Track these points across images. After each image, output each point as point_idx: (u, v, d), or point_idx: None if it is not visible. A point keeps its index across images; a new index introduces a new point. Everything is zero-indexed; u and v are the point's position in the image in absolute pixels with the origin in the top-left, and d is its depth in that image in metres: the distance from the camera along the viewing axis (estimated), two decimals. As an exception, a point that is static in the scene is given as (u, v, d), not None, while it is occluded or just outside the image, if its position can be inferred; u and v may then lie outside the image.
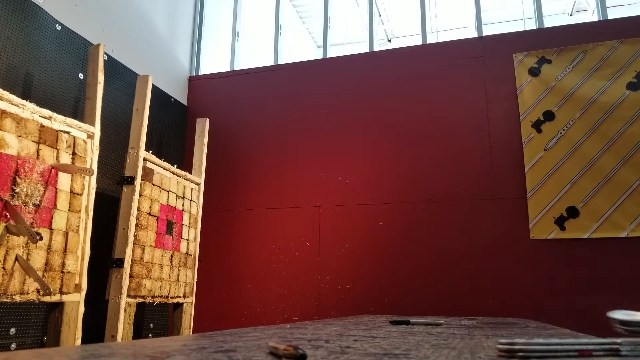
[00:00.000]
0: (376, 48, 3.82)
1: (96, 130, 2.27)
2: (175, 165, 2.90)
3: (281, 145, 3.62)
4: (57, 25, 2.65)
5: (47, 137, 1.96)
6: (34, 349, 2.07)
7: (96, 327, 2.36)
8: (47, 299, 1.93)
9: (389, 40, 6.55)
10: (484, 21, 3.61)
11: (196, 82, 3.97)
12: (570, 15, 5.59)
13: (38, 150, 1.92)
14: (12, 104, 1.83)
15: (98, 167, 2.29)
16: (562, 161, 3.00)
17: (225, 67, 4.05)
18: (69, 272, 2.02)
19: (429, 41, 3.69)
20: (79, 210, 2.11)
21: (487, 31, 3.51)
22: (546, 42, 3.22)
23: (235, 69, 4.02)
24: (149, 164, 2.61)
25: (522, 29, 4.05)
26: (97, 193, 2.25)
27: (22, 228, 1.75)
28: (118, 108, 3.02)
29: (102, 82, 2.34)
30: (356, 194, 3.36)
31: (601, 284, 2.80)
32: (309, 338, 0.91)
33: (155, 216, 2.61)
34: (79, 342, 2.08)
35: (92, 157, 2.23)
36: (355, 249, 3.27)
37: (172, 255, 2.75)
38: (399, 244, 3.19)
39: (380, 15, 5.95)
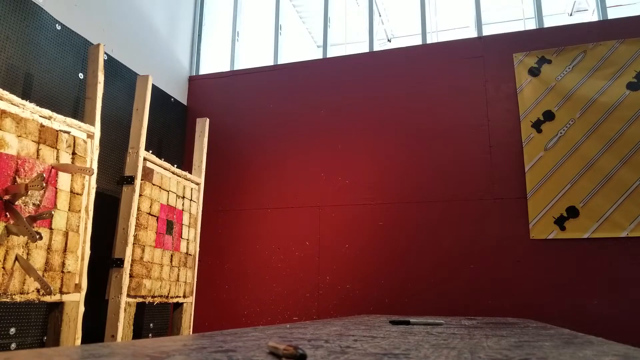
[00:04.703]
0: (376, 48, 3.82)
1: (96, 130, 2.27)
2: (175, 165, 2.90)
3: (281, 145, 3.62)
4: (57, 25, 2.65)
5: (47, 137, 1.96)
6: (34, 348, 2.07)
7: (96, 327, 2.36)
8: (47, 298, 1.93)
9: (389, 40, 6.55)
10: (484, 21, 3.61)
11: (196, 82, 3.97)
12: (570, 15, 5.59)
13: (38, 150, 1.92)
14: (12, 103, 1.83)
15: (98, 167, 2.29)
16: (562, 161, 3.00)
17: (225, 67, 4.05)
18: (69, 271, 2.02)
19: (429, 41, 3.69)
20: (79, 210, 2.11)
21: (487, 31, 3.51)
22: (546, 42, 3.22)
23: (235, 69, 4.03)
24: (149, 164, 2.61)
25: (522, 29, 4.06)
26: (97, 193, 2.25)
27: (22, 228, 1.75)
28: (118, 108, 3.02)
29: (102, 82, 2.34)
30: (356, 194, 3.37)
31: (601, 284, 2.80)
32: (309, 338, 0.91)
33: (155, 216, 2.61)
34: (79, 342, 2.08)
35: (92, 156, 2.23)
36: (355, 249, 3.27)
37: (172, 255, 2.75)
38: (398, 244, 3.19)
39: (380, 15, 5.95)
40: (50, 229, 1.95)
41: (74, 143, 2.12)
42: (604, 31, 3.13)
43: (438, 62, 3.45)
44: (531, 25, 3.65)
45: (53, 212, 1.94)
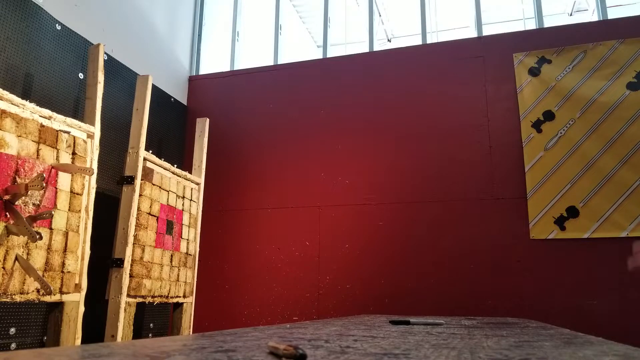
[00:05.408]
0: (376, 48, 3.82)
1: (96, 130, 2.27)
2: (175, 165, 2.90)
3: (281, 145, 3.62)
4: (57, 25, 2.65)
5: (47, 136, 1.96)
6: (34, 348, 2.07)
7: (96, 327, 2.36)
8: (47, 298, 1.93)
9: (389, 40, 6.55)
10: (484, 21, 3.61)
11: (196, 82, 3.97)
12: (570, 15, 5.60)
13: (38, 150, 1.92)
14: (12, 103, 1.83)
15: (98, 167, 2.29)
16: (562, 161, 3.00)
17: (225, 67, 4.05)
18: (69, 271, 2.02)
19: (429, 41, 3.69)
20: (79, 210, 2.11)
21: (487, 31, 3.51)
22: (546, 42, 3.22)
23: (235, 69, 4.03)
24: (149, 164, 2.61)
25: (522, 29, 4.06)
26: (97, 193, 2.25)
27: (22, 228, 1.75)
28: (118, 108, 3.02)
29: (102, 82, 2.34)
30: (356, 194, 3.37)
31: (601, 284, 2.80)
32: (309, 338, 0.91)
33: (155, 216, 2.61)
34: (78, 341, 2.08)
35: (92, 156, 2.23)
36: (355, 249, 3.27)
37: (172, 255, 2.75)
38: (398, 244, 3.19)
39: (380, 15, 5.95)
40: (50, 229, 1.95)
41: (74, 143, 2.12)
42: (604, 31, 3.13)
43: (438, 62, 3.45)
44: (531, 25, 3.65)
45: (53, 212, 1.94)
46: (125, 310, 2.32)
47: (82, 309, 2.09)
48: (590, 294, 2.80)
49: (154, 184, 2.61)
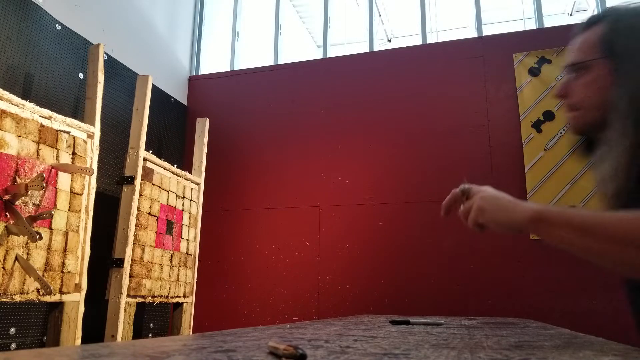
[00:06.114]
0: (376, 48, 3.82)
1: (96, 130, 2.27)
2: (175, 165, 2.90)
3: (281, 145, 3.62)
4: (57, 25, 2.65)
5: (47, 137, 1.96)
6: (34, 348, 2.07)
7: (96, 327, 2.36)
8: (47, 298, 1.93)
9: (389, 40, 6.55)
10: (484, 21, 3.61)
11: (196, 82, 3.97)
12: (570, 15, 5.59)
13: (38, 150, 1.92)
14: (12, 103, 1.83)
15: (98, 167, 2.29)
16: (562, 161, 3.00)
17: (225, 67, 4.05)
18: (69, 272, 2.02)
19: (429, 41, 3.69)
20: (79, 210, 2.11)
21: (487, 31, 3.51)
22: (546, 42, 3.22)
23: (235, 69, 4.03)
24: (149, 164, 2.61)
25: (522, 29, 4.06)
26: (97, 193, 2.25)
27: (22, 228, 1.75)
28: (118, 108, 3.02)
29: (102, 82, 2.34)
30: (356, 194, 3.36)
31: (601, 284, 2.80)
32: (309, 338, 0.91)
33: (155, 216, 2.61)
34: (79, 342, 2.08)
35: (92, 156, 2.23)
36: (355, 249, 3.27)
37: (172, 255, 2.75)
38: (398, 244, 3.19)
39: (380, 15, 5.95)
40: (50, 229, 1.95)
41: (74, 143, 2.12)
42: (604, 31, 3.12)
43: (438, 62, 3.45)
44: (531, 25, 3.65)
45: (53, 212, 1.95)
46: (125, 310, 2.32)
47: (82, 309, 2.09)
48: (590, 294, 2.80)
49: (154, 184, 2.62)
